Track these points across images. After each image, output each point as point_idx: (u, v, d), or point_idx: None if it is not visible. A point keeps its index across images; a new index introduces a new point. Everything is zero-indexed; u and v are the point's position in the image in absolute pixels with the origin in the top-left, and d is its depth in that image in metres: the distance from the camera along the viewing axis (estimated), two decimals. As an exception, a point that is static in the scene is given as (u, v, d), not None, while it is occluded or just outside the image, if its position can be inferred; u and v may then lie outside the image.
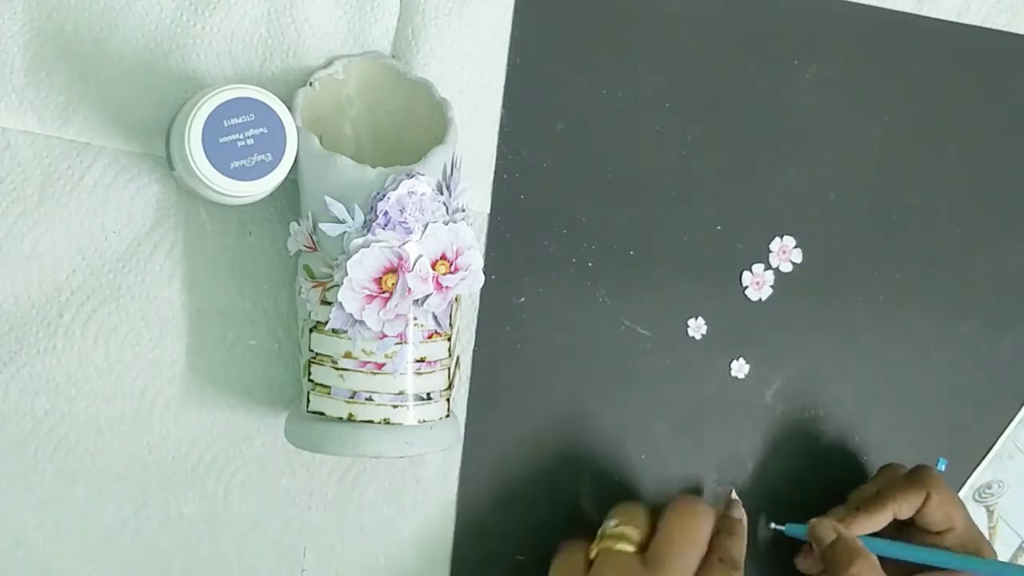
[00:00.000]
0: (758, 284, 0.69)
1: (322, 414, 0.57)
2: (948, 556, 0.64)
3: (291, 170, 0.55)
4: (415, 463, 0.65)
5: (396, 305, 0.56)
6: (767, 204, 0.68)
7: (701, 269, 0.68)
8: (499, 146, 0.65)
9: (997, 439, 0.73)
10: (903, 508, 0.64)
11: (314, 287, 0.57)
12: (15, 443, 0.60)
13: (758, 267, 0.69)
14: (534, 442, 0.67)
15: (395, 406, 0.57)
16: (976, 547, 0.65)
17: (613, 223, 0.67)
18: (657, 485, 0.68)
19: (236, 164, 0.53)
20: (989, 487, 0.73)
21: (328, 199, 0.56)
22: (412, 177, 0.56)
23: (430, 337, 0.58)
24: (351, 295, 0.56)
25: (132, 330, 0.61)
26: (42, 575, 0.62)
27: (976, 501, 0.73)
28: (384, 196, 0.55)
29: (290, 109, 0.55)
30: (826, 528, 0.64)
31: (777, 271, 0.69)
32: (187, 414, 0.62)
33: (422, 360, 0.58)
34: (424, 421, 0.58)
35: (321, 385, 0.58)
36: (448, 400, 0.60)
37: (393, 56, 0.62)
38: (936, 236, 0.71)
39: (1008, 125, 0.71)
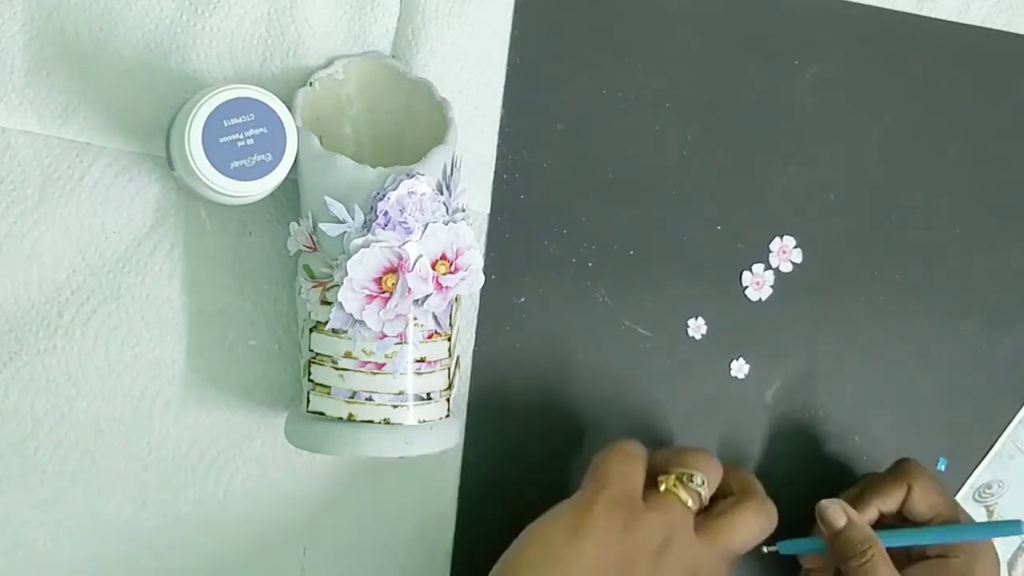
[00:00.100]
0: (758, 284, 0.69)
1: (322, 414, 0.57)
2: (943, 530, 0.64)
3: (291, 170, 0.55)
4: (415, 463, 0.65)
5: (396, 305, 0.56)
6: (767, 204, 0.68)
7: (701, 269, 0.68)
8: (499, 146, 0.65)
9: (997, 439, 0.72)
10: (887, 502, 0.64)
11: (314, 287, 0.57)
12: (15, 443, 0.60)
13: (758, 267, 0.69)
14: (534, 442, 0.67)
15: (395, 406, 0.57)
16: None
17: (613, 223, 0.67)
18: (657, 485, 0.68)
19: (236, 164, 0.53)
20: (989, 487, 0.73)
21: (328, 199, 0.56)
22: (412, 177, 0.56)
23: (430, 337, 0.58)
24: (351, 295, 0.56)
25: (132, 330, 0.61)
26: (42, 575, 0.62)
27: (976, 501, 0.73)
28: (384, 196, 0.55)
29: (290, 109, 0.55)
30: (836, 512, 0.63)
31: (777, 271, 0.69)
32: (187, 414, 0.62)
33: (422, 360, 0.58)
34: (424, 421, 0.58)
35: (321, 385, 0.58)
36: (448, 400, 0.60)
37: (393, 56, 0.62)
38: (936, 236, 0.71)
39: (1008, 125, 0.71)
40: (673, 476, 0.59)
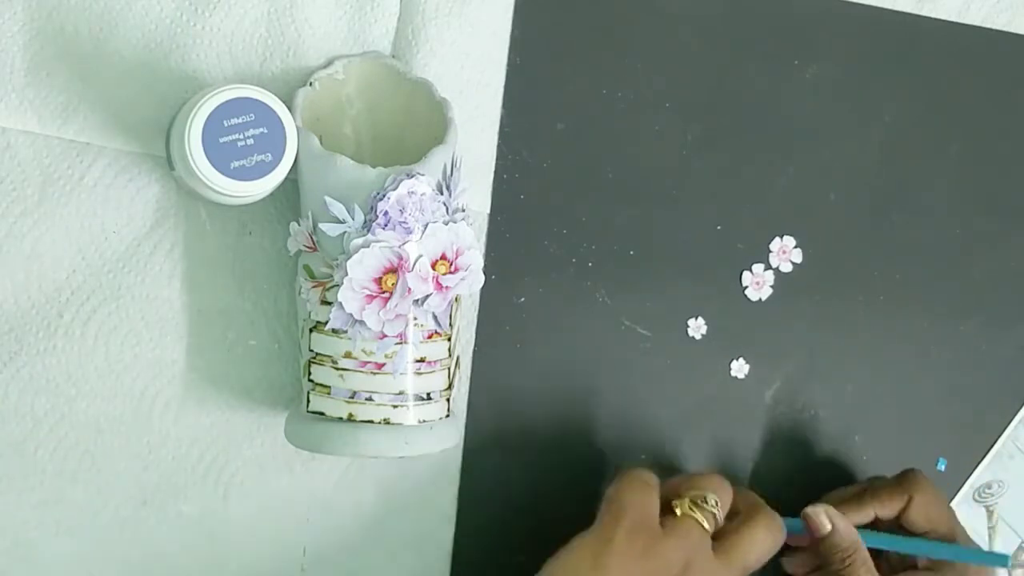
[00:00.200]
0: (758, 284, 0.69)
1: (322, 414, 0.57)
2: (930, 545, 0.64)
3: (291, 170, 0.55)
4: (415, 463, 0.65)
5: (396, 305, 0.56)
6: (767, 204, 0.68)
7: (701, 269, 0.68)
8: (499, 146, 0.65)
9: (997, 439, 0.73)
10: (885, 509, 0.65)
11: (314, 287, 0.57)
12: (15, 443, 0.60)
13: (758, 267, 0.69)
14: (534, 442, 0.67)
15: (395, 406, 0.57)
16: None
17: (613, 223, 0.67)
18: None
19: (236, 164, 0.53)
20: (989, 487, 0.73)
21: (328, 199, 0.56)
22: (412, 177, 0.56)
23: (430, 337, 0.58)
24: (351, 295, 0.56)
25: (132, 330, 0.61)
26: (42, 575, 0.62)
27: (976, 501, 0.73)
28: (384, 196, 0.55)
29: (290, 109, 0.55)
30: (822, 518, 0.63)
31: (777, 271, 0.69)
32: (187, 414, 0.62)
33: (422, 360, 0.58)
34: (424, 421, 0.58)
35: (321, 385, 0.58)
36: (448, 400, 0.60)
37: (393, 56, 0.62)
38: (936, 236, 0.71)
39: (1008, 125, 0.71)
40: (687, 499, 0.59)
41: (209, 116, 0.52)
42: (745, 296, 0.69)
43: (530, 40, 0.65)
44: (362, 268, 0.55)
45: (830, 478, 0.70)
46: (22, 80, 0.58)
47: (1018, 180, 0.71)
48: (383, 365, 0.57)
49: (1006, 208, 0.71)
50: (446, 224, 0.57)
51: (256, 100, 0.53)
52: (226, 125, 0.53)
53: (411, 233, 0.56)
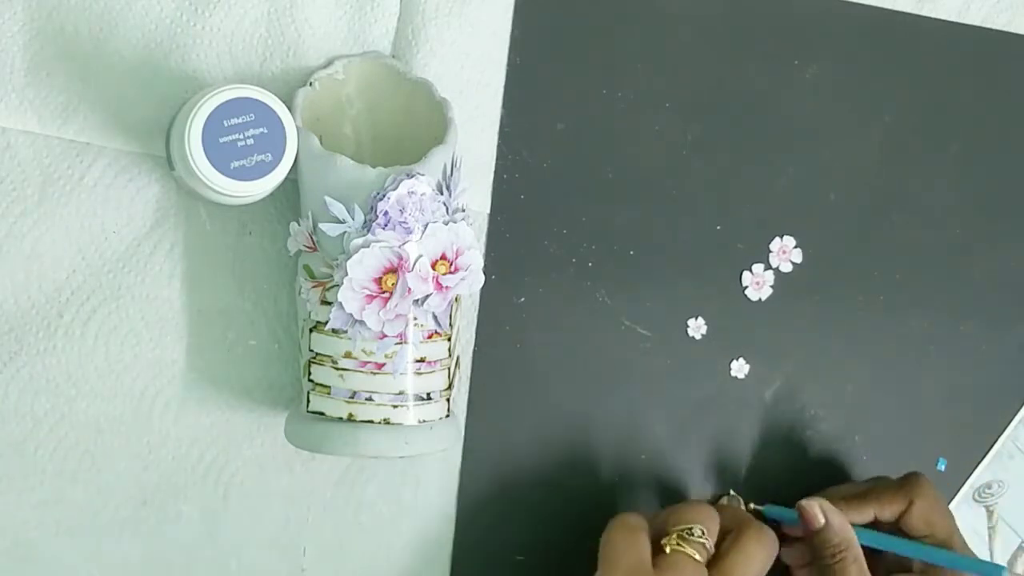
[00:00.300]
0: (758, 284, 0.69)
1: (322, 414, 0.57)
2: (926, 549, 0.64)
3: (291, 170, 0.55)
4: (415, 463, 0.65)
5: (396, 305, 0.56)
6: (767, 204, 0.68)
7: (701, 269, 0.68)
8: (499, 146, 0.65)
9: (997, 439, 0.73)
10: (885, 510, 0.65)
11: (314, 287, 0.57)
12: (15, 443, 0.60)
13: (758, 267, 0.69)
14: (534, 442, 0.67)
15: (395, 406, 0.57)
16: None
17: (613, 223, 0.67)
18: (657, 485, 0.68)
19: (236, 164, 0.53)
20: (989, 487, 0.73)
21: (328, 199, 0.56)
22: (412, 177, 0.56)
23: (430, 337, 0.58)
24: (351, 295, 0.56)
25: (132, 330, 0.61)
26: (42, 575, 0.62)
27: (976, 501, 0.73)
28: (384, 196, 0.55)
29: (290, 109, 0.55)
30: (815, 511, 0.63)
31: (777, 271, 0.69)
32: (187, 414, 0.62)
33: (422, 360, 0.58)
34: (424, 421, 0.58)
35: (321, 385, 0.58)
36: (448, 400, 0.60)
37: (393, 56, 0.62)
38: (936, 236, 0.71)
39: (1008, 125, 0.71)
40: (674, 535, 0.60)
41: (209, 116, 0.52)
42: (745, 296, 0.69)
43: (530, 40, 0.65)
44: (362, 268, 0.55)
45: (830, 478, 0.70)
46: (22, 80, 0.58)
47: (1018, 180, 0.71)
48: (383, 365, 0.57)
49: (1006, 208, 0.71)
50: (446, 224, 0.57)
51: (256, 100, 0.53)
52: (226, 125, 0.53)
53: (411, 233, 0.56)
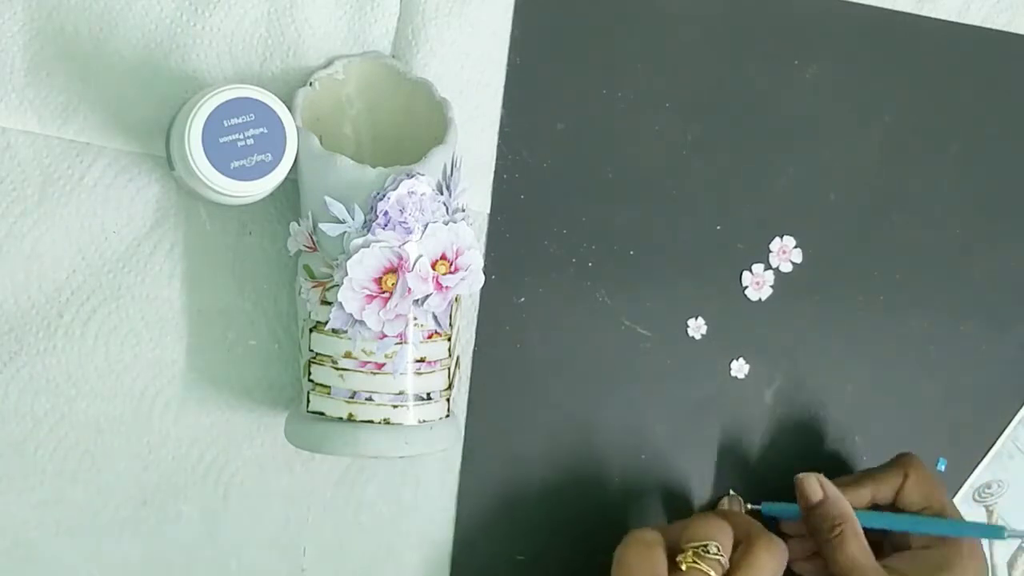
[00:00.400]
0: (758, 284, 0.69)
1: (322, 414, 0.57)
2: (925, 521, 0.64)
3: (291, 170, 0.55)
4: (415, 463, 0.65)
5: (396, 305, 0.56)
6: (767, 204, 0.68)
7: (701, 269, 0.68)
8: (499, 146, 0.65)
9: (997, 439, 0.73)
10: (882, 489, 0.65)
11: (314, 287, 0.57)
12: (15, 443, 0.60)
13: (758, 267, 0.69)
14: (534, 442, 0.67)
15: (395, 406, 0.57)
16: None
17: (613, 223, 0.67)
18: (657, 485, 0.68)
19: (236, 164, 0.53)
20: (989, 487, 0.73)
21: (328, 199, 0.56)
22: (412, 177, 0.56)
23: (430, 337, 0.58)
24: (351, 295, 0.56)
25: (132, 330, 0.61)
26: (42, 575, 0.62)
27: (976, 501, 0.73)
28: (384, 196, 0.55)
29: (290, 109, 0.55)
30: (813, 485, 0.64)
31: (777, 271, 0.69)
32: (187, 414, 0.62)
33: (422, 360, 0.58)
34: (424, 421, 0.58)
35: (321, 385, 0.58)
36: (448, 400, 0.60)
37: (393, 56, 0.62)
38: (936, 236, 0.71)
39: (1008, 125, 0.71)
40: (690, 552, 0.60)
41: (209, 116, 0.52)
42: (745, 296, 0.69)
43: (530, 40, 0.65)
44: (362, 268, 0.55)
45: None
46: (22, 80, 0.58)
47: (1018, 180, 0.71)
48: (383, 365, 0.57)
49: (1006, 208, 0.71)
50: (446, 224, 0.57)
51: (256, 100, 0.53)
52: (226, 125, 0.53)
53: (411, 233, 0.56)
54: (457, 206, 0.58)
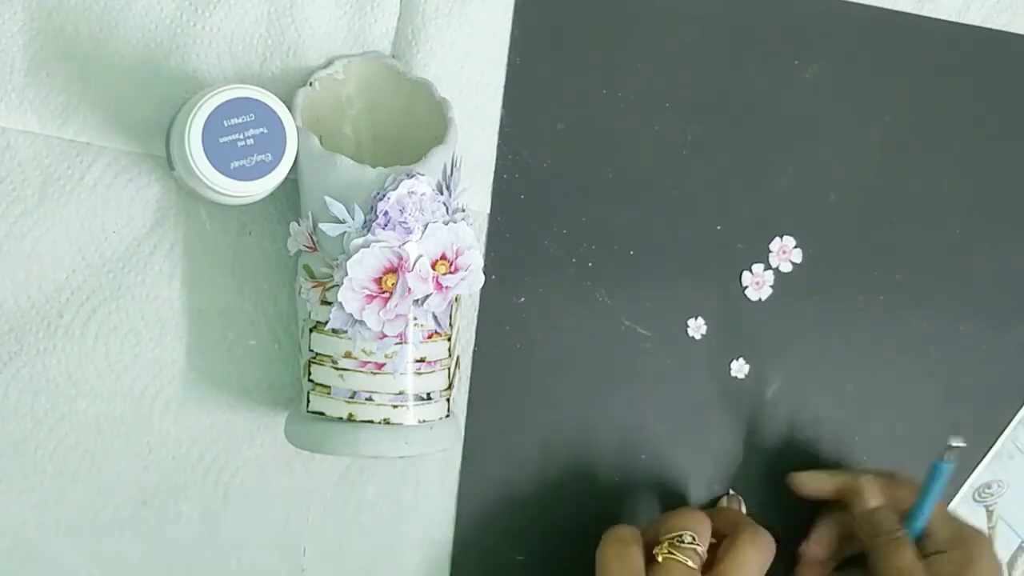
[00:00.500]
0: (758, 284, 0.69)
1: (322, 414, 0.57)
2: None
3: (291, 170, 0.55)
4: (415, 463, 0.65)
5: (396, 305, 0.56)
6: (767, 204, 0.68)
7: (701, 269, 0.68)
8: (499, 146, 0.65)
9: (997, 439, 0.73)
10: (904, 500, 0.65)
11: (314, 287, 0.57)
12: (15, 443, 0.60)
13: (758, 267, 0.69)
14: (534, 442, 0.67)
15: (395, 406, 0.57)
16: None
17: (613, 223, 0.67)
18: (657, 485, 0.68)
19: (236, 164, 0.53)
20: (989, 487, 0.73)
21: (328, 199, 0.56)
22: (412, 177, 0.56)
23: (430, 337, 0.58)
24: (351, 295, 0.56)
25: (132, 330, 0.61)
26: (42, 575, 0.62)
27: (976, 501, 0.73)
28: (384, 196, 0.55)
29: (290, 109, 0.55)
30: (875, 489, 0.64)
31: (777, 271, 0.69)
32: (187, 414, 0.62)
33: (422, 360, 0.58)
34: (424, 421, 0.58)
35: (321, 385, 0.58)
36: (448, 400, 0.60)
37: (393, 56, 0.62)
38: (936, 236, 0.71)
39: (1008, 125, 0.71)
40: (665, 543, 0.60)
41: (209, 116, 0.52)
42: (745, 296, 0.69)
43: (530, 40, 0.65)
44: (362, 268, 0.55)
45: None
46: (22, 80, 0.58)
47: (1018, 180, 0.71)
48: (383, 365, 0.57)
49: (1006, 208, 0.71)
50: (446, 224, 0.57)
51: (256, 100, 0.53)
52: (226, 125, 0.53)
53: (411, 233, 0.56)
54: (457, 206, 0.58)
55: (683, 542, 0.60)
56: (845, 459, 0.71)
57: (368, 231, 0.55)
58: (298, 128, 0.56)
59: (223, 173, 0.53)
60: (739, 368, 0.69)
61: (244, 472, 0.63)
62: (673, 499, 0.69)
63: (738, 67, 0.68)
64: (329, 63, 0.61)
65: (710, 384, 0.69)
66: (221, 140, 0.53)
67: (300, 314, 0.59)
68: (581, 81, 0.66)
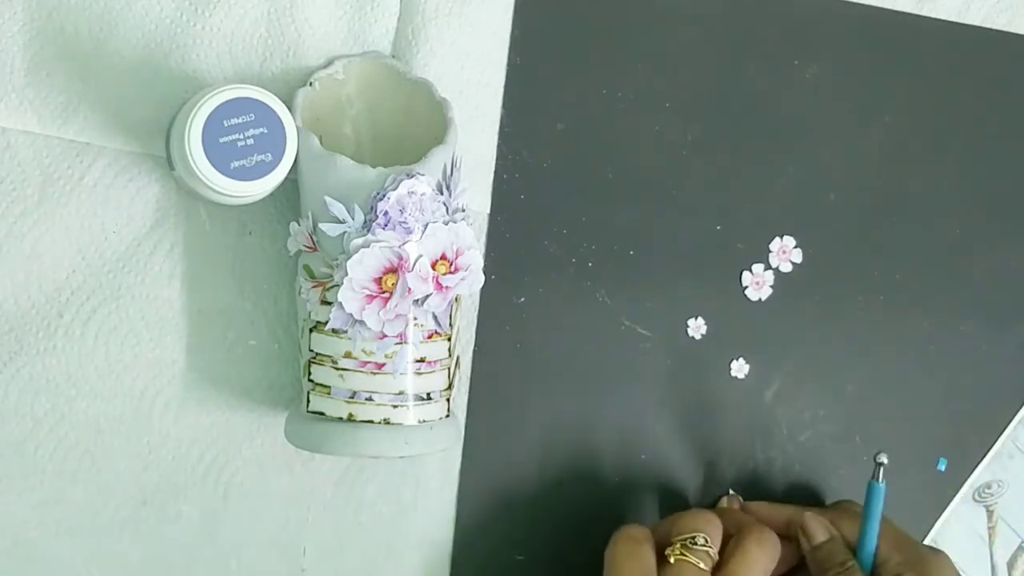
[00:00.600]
0: (758, 284, 0.69)
1: (322, 414, 0.57)
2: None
3: (291, 170, 0.55)
4: (415, 463, 0.65)
5: (396, 305, 0.56)
6: (767, 204, 0.68)
7: (701, 269, 0.68)
8: (499, 146, 0.65)
9: (997, 439, 0.72)
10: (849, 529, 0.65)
11: (314, 287, 0.57)
12: (15, 443, 0.60)
13: (758, 267, 0.69)
14: (534, 442, 0.67)
15: (395, 406, 0.57)
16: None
17: (613, 223, 0.67)
18: (657, 485, 0.68)
19: (236, 164, 0.53)
20: (989, 487, 0.73)
21: (328, 199, 0.56)
22: (412, 177, 0.56)
23: (430, 337, 0.58)
24: (351, 295, 0.56)
25: (132, 330, 0.61)
26: (42, 575, 0.62)
27: (976, 501, 0.73)
28: (384, 196, 0.55)
29: (290, 109, 0.55)
30: (820, 525, 0.64)
31: (777, 271, 0.69)
32: (187, 414, 0.62)
33: (422, 360, 0.58)
34: (424, 421, 0.58)
35: (321, 385, 0.58)
36: (448, 400, 0.60)
37: (393, 56, 0.62)
38: (936, 236, 0.71)
39: (1008, 125, 0.71)
40: (678, 545, 0.60)
41: (209, 116, 0.52)
42: (745, 296, 0.69)
43: (530, 40, 0.65)
44: (362, 268, 0.55)
45: (830, 479, 0.70)
46: (22, 80, 0.58)
47: (1018, 180, 0.71)
48: (383, 365, 0.57)
49: (1006, 208, 0.71)
50: (446, 224, 0.57)
51: (256, 100, 0.53)
52: (226, 125, 0.53)
53: (411, 233, 0.56)
54: (457, 206, 0.58)
55: (696, 544, 0.60)
56: (845, 459, 0.71)
57: (368, 231, 0.55)
58: (298, 128, 0.56)
59: (223, 173, 0.53)
60: (739, 368, 0.69)
61: (244, 472, 0.63)
62: (673, 499, 0.69)
63: (738, 67, 0.68)
64: (329, 63, 0.61)
65: (710, 384, 0.69)
66: (221, 140, 0.53)
67: (300, 314, 0.59)
68: (581, 81, 0.66)
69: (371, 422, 0.57)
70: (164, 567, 0.63)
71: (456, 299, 0.60)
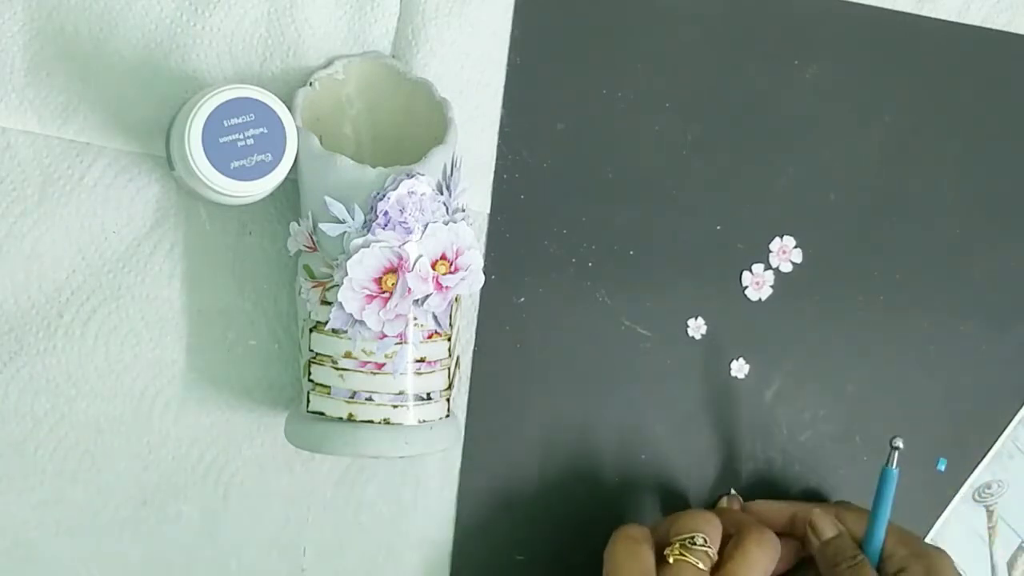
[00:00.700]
0: (758, 284, 0.69)
1: (322, 414, 0.57)
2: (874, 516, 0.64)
3: (291, 170, 0.55)
4: (415, 463, 0.65)
5: (396, 305, 0.56)
6: (767, 204, 0.68)
7: (701, 269, 0.68)
8: (499, 146, 0.65)
9: (997, 439, 0.72)
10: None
11: (314, 287, 0.57)
12: (15, 443, 0.60)
13: (758, 267, 0.69)
14: (534, 442, 0.67)
15: (395, 406, 0.57)
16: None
17: (613, 223, 0.67)
18: (657, 485, 0.68)
19: (236, 164, 0.53)
20: (989, 487, 0.73)
21: (328, 199, 0.56)
22: (412, 177, 0.56)
23: (430, 337, 0.58)
24: (351, 295, 0.56)
25: (132, 330, 0.61)
26: (42, 575, 0.62)
27: (976, 501, 0.73)
28: (384, 196, 0.55)
29: (290, 109, 0.55)
30: (828, 522, 0.64)
31: (777, 271, 0.69)
32: (187, 414, 0.62)
33: (422, 360, 0.58)
34: (424, 421, 0.58)
35: (321, 385, 0.58)
36: (448, 400, 0.60)
37: (393, 56, 0.62)
38: (936, 236, 0.71)
39: (1008, 125, 0.71)
40: (677, 545, 0.60)
41: (209, 116, 0.52)
42: (745, 296, 0.69)
43: (530, 40, 0.65)
44: (362, 268, 0.55)
45: (830, 478, 0.70)
46: (22, 80, 0.58)
47: (1018, 180, 0.71)
48: (383, 365, 0.57)
49: (1006, 208, 0.71)
50: (446, 224, 0.57)
51: (256, 100, 0.53)
52: (226, 125, 0.53)
53: (411, 233, 0.56)
54: (457, 206, 0.58)
55: (695, 544, 0.60)
56: (845, 459, 0.71)
57: (368, 231, 0.55)
58: (298, 128, 0.56)
59: (223, 173, 0.53)
60: (739, 368, 0.69)
61: (244, 472, 0.63)
62: (673, 499, 0.69)
63: (738, 67, 0.68)
64: (329, 63, 0.61)
65: (710, 384, 0.69)
66: (221, 140, 0.53)
67: (300, 314, 0.59)
68: (581, 81, 0.66)
69: (371, 422, 0.57)
70: (164, 567, 0.63)
71: (456, 299, 0.60)
